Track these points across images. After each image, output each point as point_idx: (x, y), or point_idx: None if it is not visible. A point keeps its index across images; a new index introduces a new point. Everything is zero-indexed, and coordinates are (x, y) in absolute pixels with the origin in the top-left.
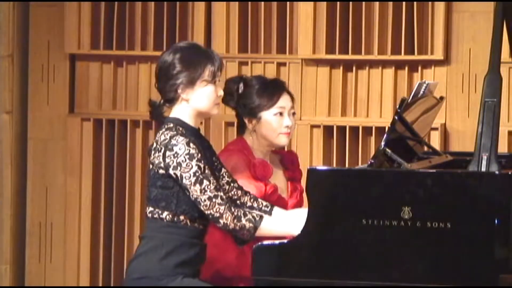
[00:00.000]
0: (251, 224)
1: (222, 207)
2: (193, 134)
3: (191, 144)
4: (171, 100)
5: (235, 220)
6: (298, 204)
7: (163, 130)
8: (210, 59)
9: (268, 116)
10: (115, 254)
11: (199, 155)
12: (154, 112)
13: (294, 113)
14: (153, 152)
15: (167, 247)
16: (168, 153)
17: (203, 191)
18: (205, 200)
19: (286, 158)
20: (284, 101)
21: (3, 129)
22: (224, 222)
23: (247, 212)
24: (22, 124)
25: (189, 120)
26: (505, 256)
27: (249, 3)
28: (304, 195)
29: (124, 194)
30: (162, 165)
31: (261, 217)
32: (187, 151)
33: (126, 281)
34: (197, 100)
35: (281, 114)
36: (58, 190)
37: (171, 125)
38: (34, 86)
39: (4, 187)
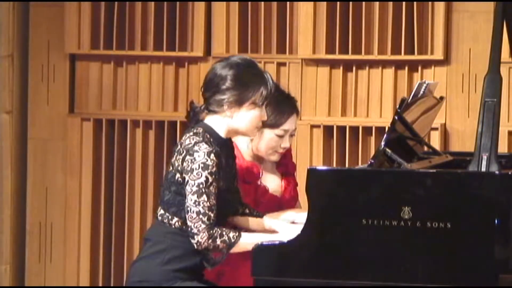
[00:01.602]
0: (224, 245)
1: (203, 226)
2: (219, 144)
3: (212, 155)
4: (213, 111)
5: (210, 241)
6: (292, 199)
7: (191, 133)
8: (264, 82)
9: (270, 134)
10: (115, 254)
11: (214, 169)
12: (193, 116)
13: (293, 135)
14: (176, 154)
15: (171, 253)
16: (188, 157)
17: (196, 203)
18: (193, 212)
19: None
20: (290, 123)
21: (3, 129)
22: (198, 240)
23: (224, 233)
24: (22, 124)
25: (222, 131)
26: (505, 256)
27: (249, 3)
28: (303, 193)
29: (124, 194)
30: (179, 168)
31: (238, 236)
32: (204, 160)
33: (126, 283)
34: (240, 121)
35: (282, 136)
36: (58, 190)
37: (200, 130)
38: (34, 86)
39: (4, 187)
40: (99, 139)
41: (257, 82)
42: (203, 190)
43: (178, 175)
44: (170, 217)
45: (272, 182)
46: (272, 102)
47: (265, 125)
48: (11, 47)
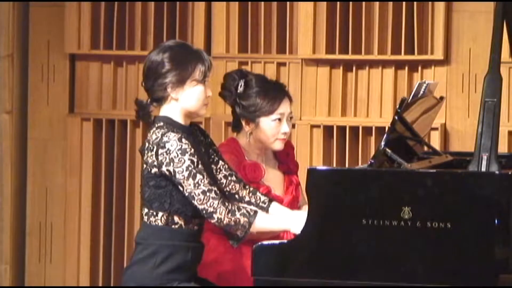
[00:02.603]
0: (245, 219)
1: (216, 201)
2: (184, 131)
3: (183, 140)
4: (159, 99)
5: (229, 215)
6: (294, 200)
7: (154, 129)
8: (200, 58)
9: (267, 121)
10: (115, 254)
11: (192, 150)
12: (141, 112)
13: (291, 117)
14: (146, 152)
15: (161, 254)
16: (160, 150)
17: (196, 185)
18: (199, 194)
19: (280, 151)
20: (284, 107)
21: (3, 129)
22: (218, 217)
23: (241, 207)
24: (22, 124)
25: (179, 118)
26: (505, 256)
27: (249, 3)
28: (304, 193)
29: (124, 194)
30: (155, 163)
31: (255, 212)
32: (179, 146)
33: None
34: (186, 100)
35: (279, 120)
36: (58, 190)
37: (161, 123)
38: (34, 86)
39: (4, 187)
40: (99, 139)
41: (193, 59)
42: (195, 170)
43: (154, 169)
44: (154, 213)
45: (274, 182)
46: (261, 91)
47: (260, 114)
48: (11, 47)
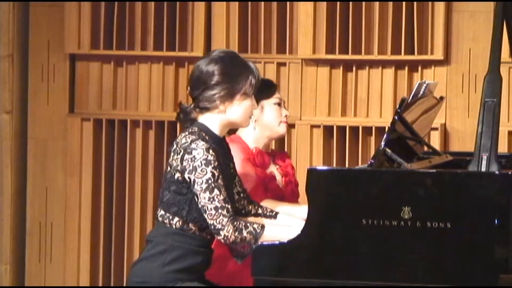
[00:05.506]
0: (251, 236)
1: (226, 219)
2: (216, 143)
3: (210, 151)
4: (205, 108)
5: (236, 233)
6: (295, 195)
7: (186, 133)
8: (251, 71)
9: (269, 104)
10: (115, 254)
11: (216, 163)
12: (183, 116)
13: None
14: (172, 154)
15: (171, 254)
16: (186, 156)
17: (211, 199)
18: (211, 209)
19: (277, 157)
20: (279, 94)
21: (3, 129)
22: (225, 235)
23: (249, 224)
24: (22, 124)
25: (217, 128)
26: (505, 256)
27: (249, 3)
28: (303, 193)
29: (124, 194)
30: (179, 168)
31: (262, 227)
32: (205, 156)
33: (127, 284)
34: (234, 113)
35: (279, 104)
36: (58, 190)
37: (196, 129)
38: (34, 86)
39: (4, 187)
40: (99, 139)
41: (245, 73)
42: (213, 185)
43: (177, 174)
44: (170, 217)
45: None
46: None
47: (261, 98)
48: (11, 47)
